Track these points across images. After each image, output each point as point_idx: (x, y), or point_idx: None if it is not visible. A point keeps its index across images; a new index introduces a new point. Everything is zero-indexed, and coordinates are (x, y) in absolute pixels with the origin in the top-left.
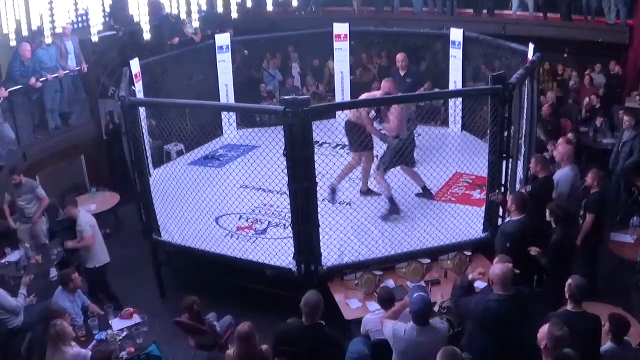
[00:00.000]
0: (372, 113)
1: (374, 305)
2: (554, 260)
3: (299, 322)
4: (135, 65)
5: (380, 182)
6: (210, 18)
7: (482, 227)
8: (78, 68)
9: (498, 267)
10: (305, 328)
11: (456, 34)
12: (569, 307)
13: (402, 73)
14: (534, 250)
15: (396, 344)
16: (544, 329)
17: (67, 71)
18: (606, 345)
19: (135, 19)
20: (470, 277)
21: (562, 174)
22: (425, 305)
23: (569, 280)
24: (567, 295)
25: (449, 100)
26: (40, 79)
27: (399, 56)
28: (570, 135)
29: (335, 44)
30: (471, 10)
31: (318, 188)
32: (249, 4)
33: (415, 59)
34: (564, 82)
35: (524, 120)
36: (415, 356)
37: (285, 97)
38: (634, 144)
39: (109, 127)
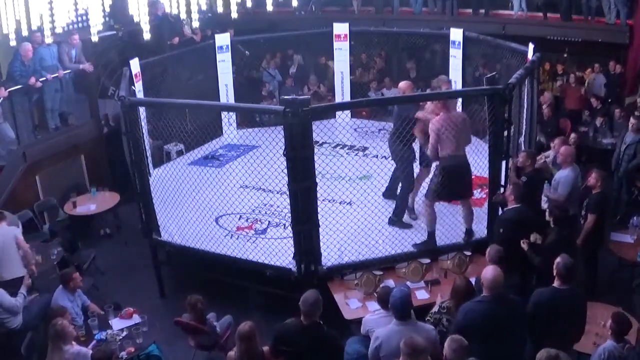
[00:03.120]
0: None
1: (374, 305)
2: (547, 261)
3: (297, 321)
4: (135, 65)
5: (426, 211)
6: (210, 18)
7: (482, 227)
8: (82, 67)
9: (490, 270)
10: (304, 327)
11: (456, 34)
12: (555, 284)
13: None
14: (525, 244)
15: (384, 346)
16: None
17: (68, 71)
18: (607, 343)
19: (135, 19)
20: None
21: (563, 175)
22: (403, 298)
23: (558, 259)
24: (554, 273)
25: None
26: (40, 79)
27: (405, 86)
28: (573, 136)
29: (335, 44)
30: (471, 10)
31: (318, 188)
32: (249, 4)
33: (416, 59)
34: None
35: (524, 120)
36: None
37: (285, 97)
38: (638, 147)
39: (105, 129)
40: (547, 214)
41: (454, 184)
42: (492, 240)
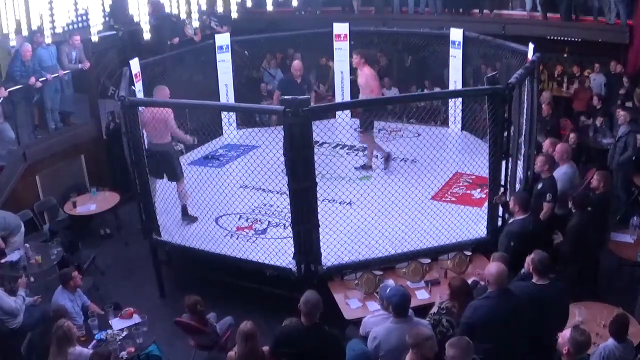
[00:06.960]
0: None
1: (374, 305)
2: (573, 245)
3: (298, 323)
4: (135, 65)
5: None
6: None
7: (482, 227)
8: (81, 66)
9: (494, 266)
10: (305, 329)
11: (456, 34)
12: (534, 279)
13: (298, 80)
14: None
15: (383, 345)
16: (565, 335)
17: (68, 71)
18: (608, 342)
19: (135, 19)
20: (470, 280)
21: (561, 172)
22: (402, 295)
23: (532, 255)
24: (530, 270)
25: (449, 100)
26: (40, 79)
27: (297, 64)
28: (572, 136)
29: (335, 44)
30: (471, 10)
31: (318, 188)
32: (249, 3)
33: (417, 58)
34: (563, 82)
35: (524, 120)
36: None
37: (285, 97)
38: (628, 139)
39: (109, 126)
40: (570, 203)
41: (158, 165)
42: (504, 250)
